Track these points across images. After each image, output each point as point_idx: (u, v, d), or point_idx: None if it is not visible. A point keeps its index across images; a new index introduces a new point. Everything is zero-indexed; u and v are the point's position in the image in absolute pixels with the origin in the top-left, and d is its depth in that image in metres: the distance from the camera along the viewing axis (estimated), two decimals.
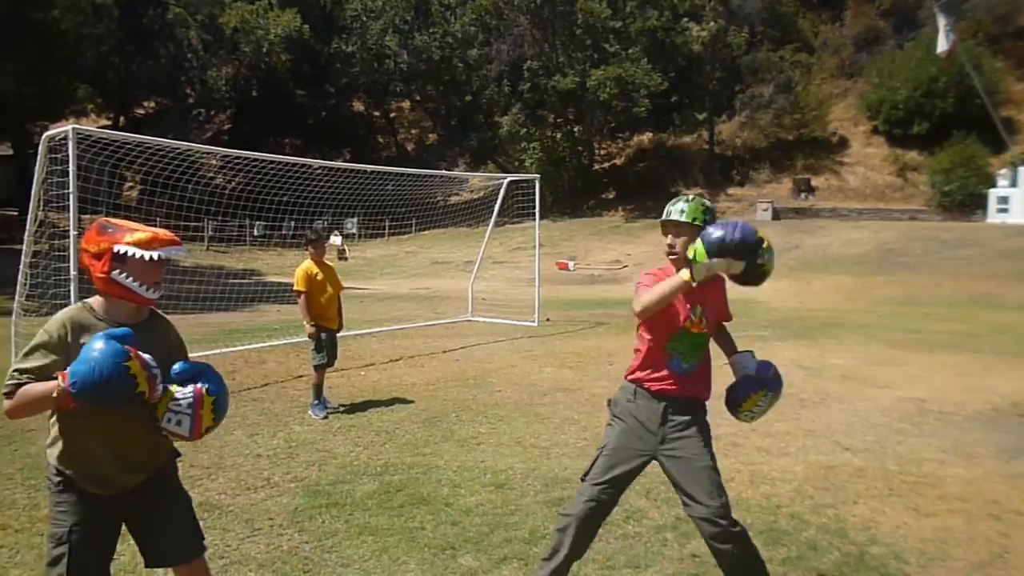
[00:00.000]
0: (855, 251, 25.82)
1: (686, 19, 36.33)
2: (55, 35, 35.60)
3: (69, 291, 7.23)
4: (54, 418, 2.50)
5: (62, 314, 2.47)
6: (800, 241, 28.07)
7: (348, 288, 8.10)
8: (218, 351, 9.98)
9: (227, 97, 48.92)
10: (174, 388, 2.41)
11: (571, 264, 28.51)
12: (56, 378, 2.26)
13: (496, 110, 41.43)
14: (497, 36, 41.36)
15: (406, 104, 51.46)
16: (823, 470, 5.35)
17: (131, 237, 2.43)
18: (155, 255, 2.43)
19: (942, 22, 28.38)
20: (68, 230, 7.28)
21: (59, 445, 2.49)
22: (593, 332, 12.65)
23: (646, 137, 41.98)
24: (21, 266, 7.99)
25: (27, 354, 2.41)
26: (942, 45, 28.50)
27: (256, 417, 6.71)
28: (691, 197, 3.33)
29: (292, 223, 19.49)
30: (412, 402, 7.32)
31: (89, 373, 2.16)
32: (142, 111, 51.95)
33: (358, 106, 51.19)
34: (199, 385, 2.44)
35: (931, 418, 6.84)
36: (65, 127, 7.43)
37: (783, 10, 41.35)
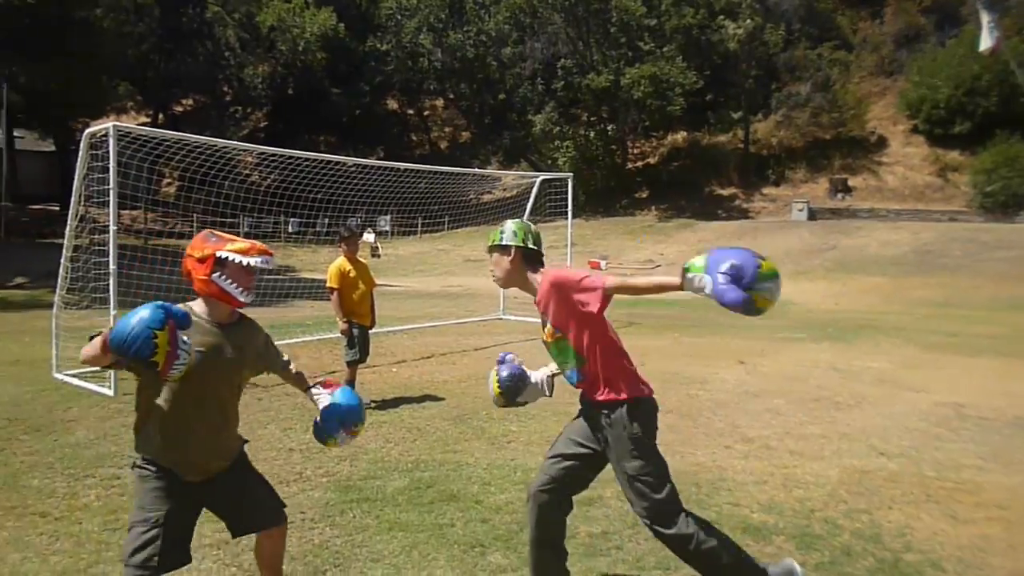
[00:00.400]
0: (893, 252, 25.40)
1: (722, 17, 36.01)
2: (97, 33, 36.25)
3: (108, 285, 7.37)
4: (152, 415, 2.74)
5: None
6: (836, 242, 27.69)
7: (381, 285, 8.16)
8: None
9: (263, 95, 49.49)
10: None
11: (603, 263, 28.38)
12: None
13: (529, 108, 41.41)
14: (531, 34, 41.36)
15: (440, 102, 51.66)
16: (858, 474, 5.27)
17: (232, 246, 2.79)
18: (251, 262, 2.76)
19: (986, 19, 27.45)
20: (108, 225, 7.41)
21: (157, 439, 2.73)
22: (624, 332, 12.54)
23: (680, 136, 41.68)
24: (62, 260, 8.17)
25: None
26: (986, 42, 27.51)
27: (289, 412, 6.78)
28: (516, 221, 3.33)
29: (326, 220, 19.67)
30: (443, 399, 7.35)
31: (122, 327, 2.36)
32: (180, 108, 52.73)
33: (392, 104, 51.49)
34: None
35: (969, 423, 6.71)
36: (106, 124, 7.56)
37: (821, 7, 40.76)
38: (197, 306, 2.84)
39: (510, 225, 3.28)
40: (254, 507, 2.94)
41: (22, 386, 7.62)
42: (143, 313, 2.37)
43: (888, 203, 32.83)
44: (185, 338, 2.47)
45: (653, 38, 36.77)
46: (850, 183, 34.70)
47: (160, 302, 2.45)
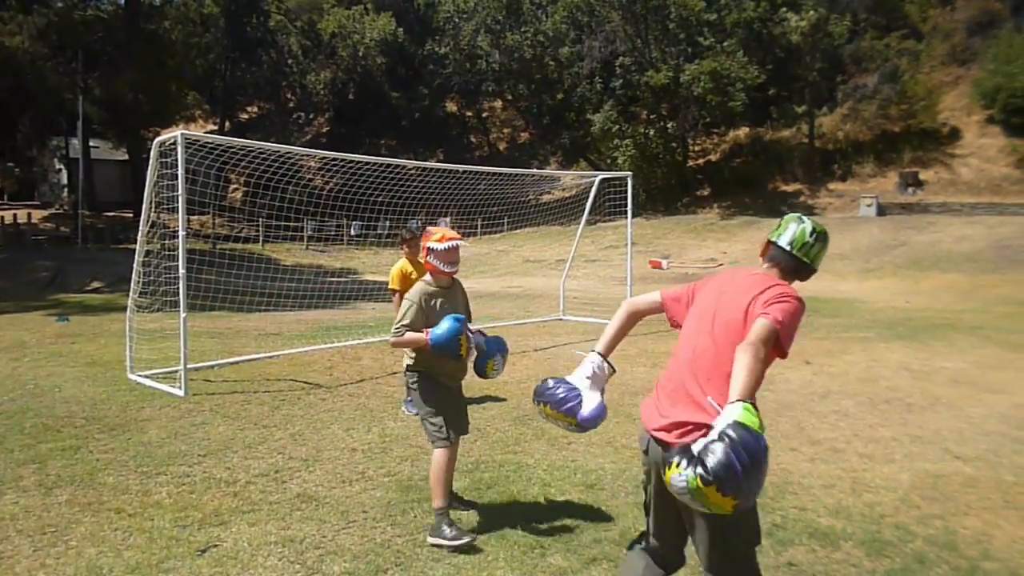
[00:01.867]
0: (968, 248, 24.49)
1: (784, 9, 35.25)
2: (166, 45, 37.51)
3: (178, 288, 7.59)
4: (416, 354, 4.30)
5: (416, 287, 4.30)
6: (907, 238, 26.86)
7: None
8: (316, 347, 10.30)
9: (325, 100, 50.50)
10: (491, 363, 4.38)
11: (665, 263, 28.12)
12: (422, 331, 4.07)
13: (588, 107, 41.23)
14: (589, 33, 41.15)
15: (498, 103, 51.85)
16: (931, 479, 5.09)
17: (434, 238, 4.23)
18: (446, 245, 4.20)
19: None
20: (178, 230, 7.62)
21: (425, 362, 4.25)
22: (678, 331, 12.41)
23: (742, 132, 40.95)
24: (135, 265, 8.45)
25: (404, 312, 4.16)
26: None
27: (352, 412, 6.88)
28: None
29: (387, 222, 19.93)
30: (504, 400, 7.36)
31: (439, 337, 3.98)
32: (246, 116, 54.17)
33: (451, 106, 51.91)
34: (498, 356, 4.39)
35: None
36: (175, 132, 7.77)
37: None
38: (428, 279, 4.33)
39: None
40: (465, 416, 4.51)
41: (98, 386, 7.90)
42: (447, 325, 3.98)
43: (962, 197, 31.59)
44: (470, 334, 4.17)
45: (713, 33, 36.23)
46: (921, 177, 33.56)
47: (456, 315, 4.07)
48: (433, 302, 4.22)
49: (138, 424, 6.41)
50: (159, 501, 4.63)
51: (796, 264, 2.89)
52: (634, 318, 3.15)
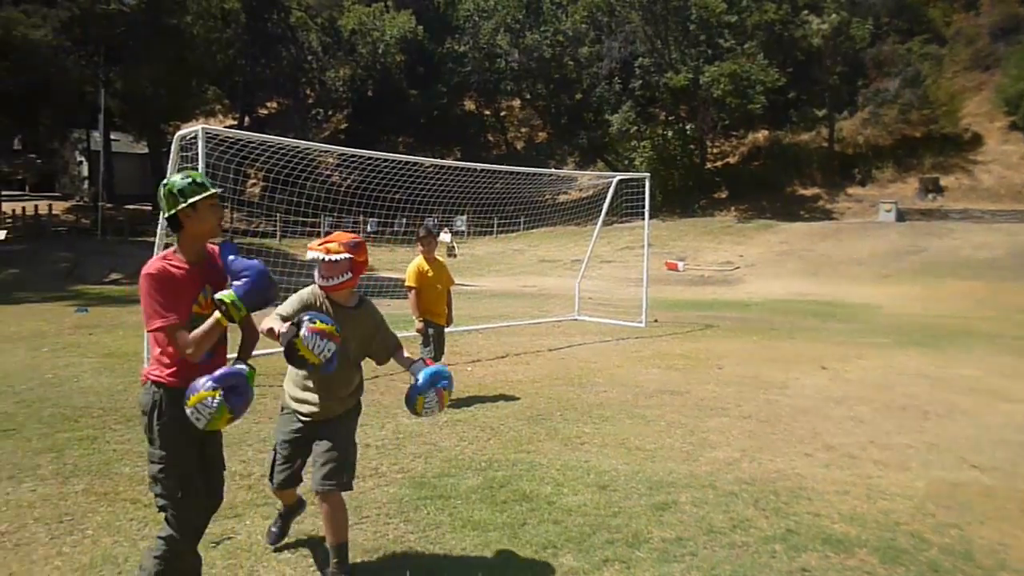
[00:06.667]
0: (987, 255, 24.26)
1: (805, 11, 35.08)
2: (187, 39, 37.73)
3: None
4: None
5: (308, 289, 3.61)
6: (926, 244, 26.64)
7: (457, 284, 8.22)
8: None
9: (344, 97, 50.67)
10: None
11: (681, 264, 28.02)
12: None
13: (606, 108, 41.17)
14: (608, 33, 41.10)
15: (516, 103, 51.86)
16: (947, 487, 5.05)
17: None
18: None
19: None
20: None
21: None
22: (702, 334, 12.39)
23: (761, 135, 40.76)
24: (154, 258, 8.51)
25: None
26: None
27: (365, 408, 6.84)
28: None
29: (404, 220, 19.97)
30: (517, 399, 7.36)
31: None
32: (264, 111, 54.42)
33: (469, 105, 51.97)
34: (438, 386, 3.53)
35: None
36: (195, 127, 7.83)
37: None
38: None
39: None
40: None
41: (116, 377, 7.97)
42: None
43: (983, 204, 31.29)
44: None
45: (733, 35, 36.09)
46: (942, 183, 33.28)
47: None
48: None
49: None
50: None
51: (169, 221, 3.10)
52: None
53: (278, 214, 28.32)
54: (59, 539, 3.97)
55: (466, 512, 4.41)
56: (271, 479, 3.73)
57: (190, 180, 3.03)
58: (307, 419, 3.56)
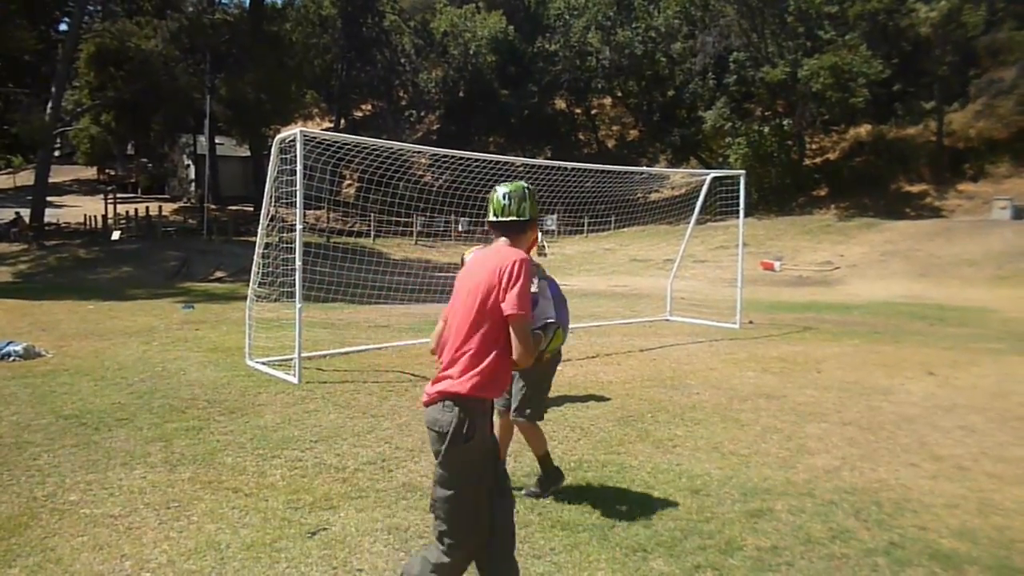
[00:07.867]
0: None
1: None
2: (287, 46, 39.09)
3: (295, 280, 7.88)
4: None
5: None
6: None
7: None
8: (423, 340, 10.48)
9: (436, 98, 51.46)
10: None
11: (777, 264, 27.24)
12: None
13: (700, 104, 40.43)
14: (702, 28, 40.30)
15: (607, 101, 51.53)
16: None
17: None
18: None
19: None
20: (295, 224, 7.93)
21: None
22: (800, 337, 11.99)
23: (864, 129, 39.15)
24: (255, 256, 8.86)
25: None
26: None
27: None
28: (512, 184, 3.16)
29: None
30: (608, 400, 7.29)
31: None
32: (360, 113, 55.80)
33: (560, 104, 51.94)
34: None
35: None
36: (294, 130, 8.07)
37: None
38: None
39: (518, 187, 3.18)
40: None
41: (219, 371, 8.31)
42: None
43: None
44: None
45: (834, 26, 34.81)
46: None
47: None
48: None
49: (255, 408, 6.70)
50: (273, 483, 4.81)
51: (511, 226, 3.10)
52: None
53: (372, 214, 29.02)
54: (167, 524, 4.16)
55: (555, 512, 4.39)
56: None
57: None
58: None
